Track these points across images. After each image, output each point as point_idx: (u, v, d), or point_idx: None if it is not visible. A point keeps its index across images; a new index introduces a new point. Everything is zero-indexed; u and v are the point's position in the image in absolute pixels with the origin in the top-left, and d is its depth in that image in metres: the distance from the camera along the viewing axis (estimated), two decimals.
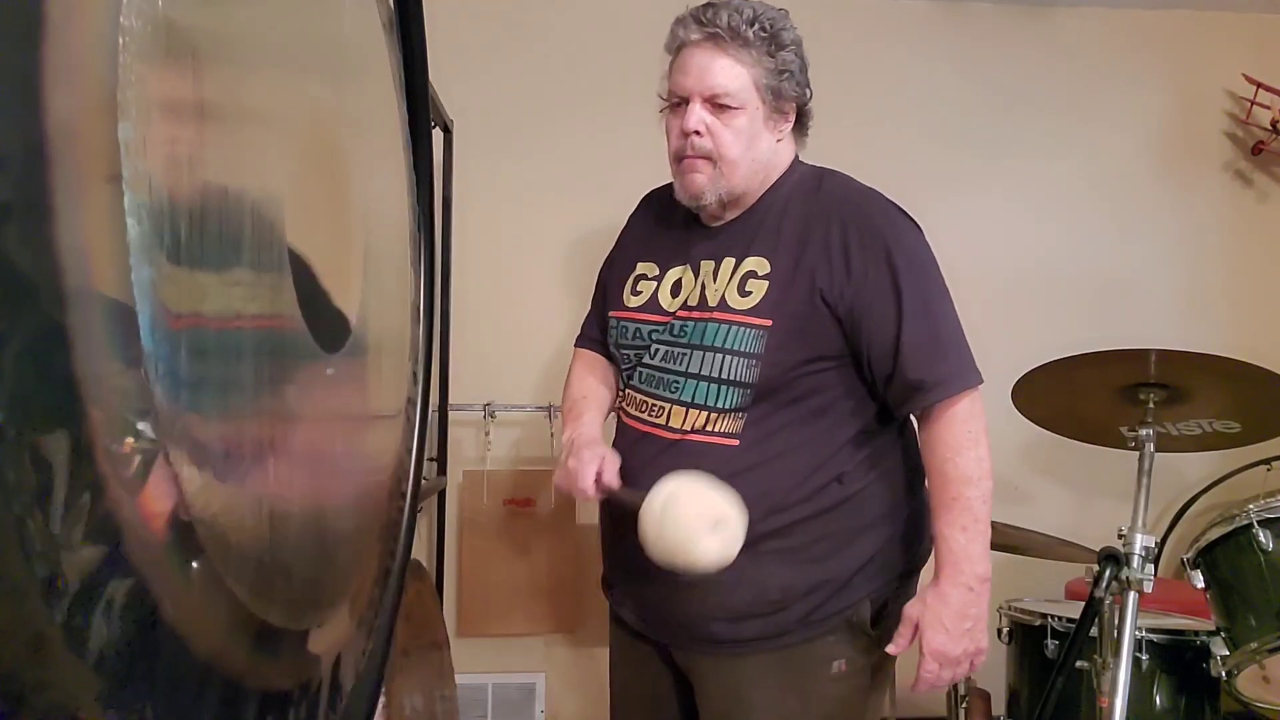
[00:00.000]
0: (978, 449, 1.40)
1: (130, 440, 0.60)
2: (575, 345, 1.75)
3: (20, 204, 0.50)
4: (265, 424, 0.83)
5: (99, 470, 0.56)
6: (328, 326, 0.98)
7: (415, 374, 0.98)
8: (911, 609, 1.41)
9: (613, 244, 1.72)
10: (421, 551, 2.61)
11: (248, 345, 0.79)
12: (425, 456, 1.51)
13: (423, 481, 1.47)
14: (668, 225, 1.60)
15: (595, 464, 1.44)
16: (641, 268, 1.58)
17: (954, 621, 1.37)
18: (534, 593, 2.69)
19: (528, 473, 2.71)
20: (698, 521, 1.28)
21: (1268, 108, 2.86)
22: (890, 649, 1.41)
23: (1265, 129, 2.87)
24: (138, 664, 0.61)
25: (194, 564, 0.68)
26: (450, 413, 2.64)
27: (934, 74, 2.92)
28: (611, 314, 1.59)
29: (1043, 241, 2.94)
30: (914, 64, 2.92)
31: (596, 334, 1.68)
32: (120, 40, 0.59)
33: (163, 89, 0.65)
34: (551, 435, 2.63)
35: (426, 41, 1.37)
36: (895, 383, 1.41)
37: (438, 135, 2.50)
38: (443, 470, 2.61)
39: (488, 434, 2.64)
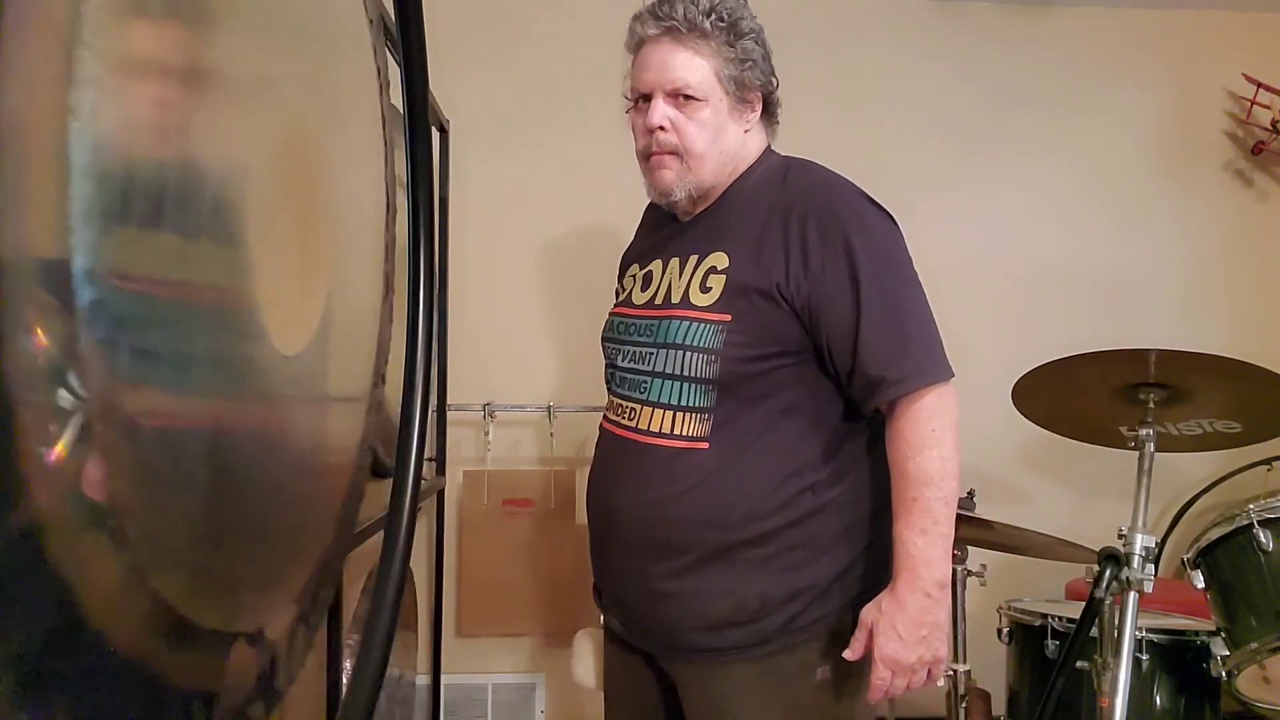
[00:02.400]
0: (941, 448, 1.34)
1: (57, 401, 0.56)
2: None
3: None
4: (207, 401, 0.79)
5: (23, 466, 0.53)
6: (287, 309, 0.96)
7: (407, 374, 0.95)
8: (866, 614, 1.36)
9: (610, 243, 1.73)
10: (421, 551, 2.61)
11: (194, 315, 0.75)
12: (425, 456, 1.50)
13: (422, 481, 1.46)
14: (652, 229, 1.61)
15: None
16: (630, 270, 1.59)
17: (909, 629, 1.32)
18: (534, 593, 2.68)
19: (528, 473, 2.71)
20: None
21: (1268, 108, 2.86)
22: (847, 654, 1.37)
23: (1265, 129, 2.87)
24: (55, 664, 0.59)
25: (120, 565, 0.65)
26: (450, 413, 2.64)
27: (933, 73, 2.92)
28: (610, 314, 1.61)
29: (1043, 241, 2.94)
30: (914, 63, 2.92)
31: None
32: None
33: (130, 46, 0.64)
34: (552, 435, 2.63)
35: (425, 42, 1.36)
36: (856, 378, 1.37)
37: (434, 136, 2.50)
38: (442, 470, 2.61)
39: (487, 434, 2.64)
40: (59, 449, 0.58)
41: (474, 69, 2.75)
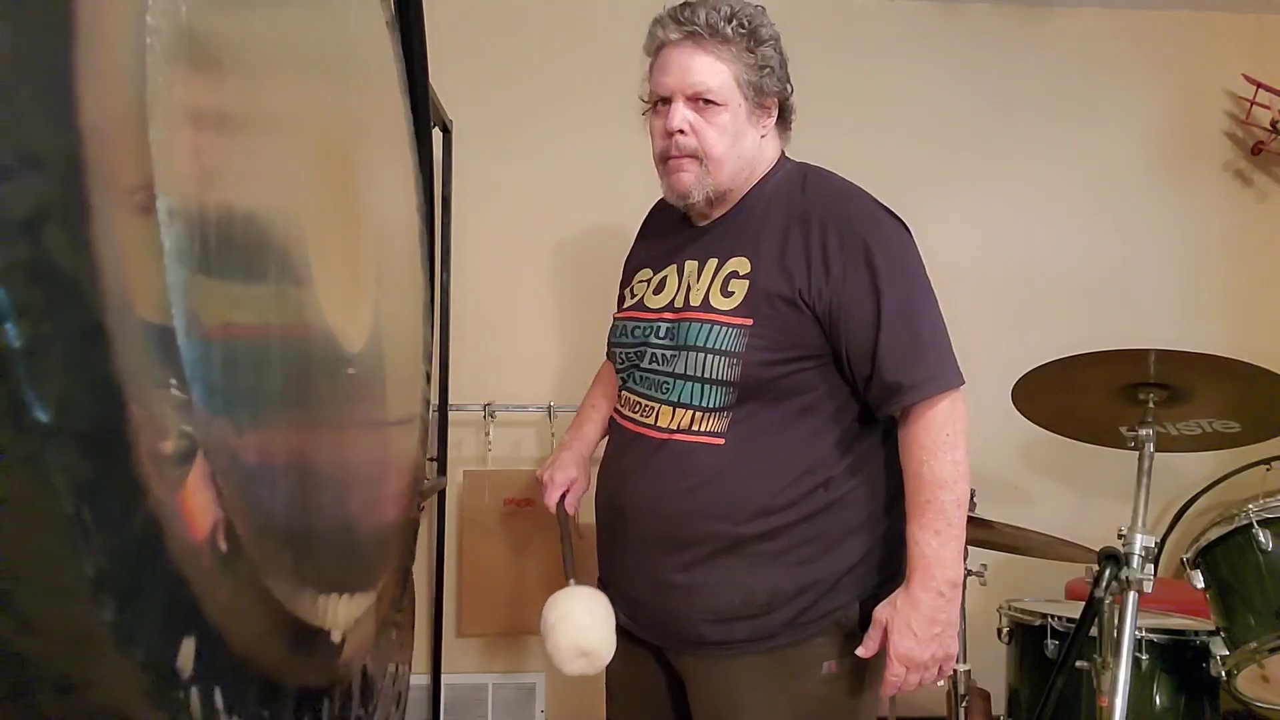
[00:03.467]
0: (954, 452, 1.38)
1: (170, 439, 0.60)
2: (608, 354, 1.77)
3: (59, 206, 0.50)
4: (295, 429, 0.84)
5: (142, 469, 0.57)
6: (349, 333, 0.99)
7: (428, 374, 0.99)
8: (880, 612, 1.39)
9: (612, 244, 1.73)
10: (422, 551, 2.61)
11: (275, 353, 0.80)
12: (425, 456, 1.52)
13: (423, 481, 1.48)
14: (665, 229, 1.62)
15: (560, 490, 1.74)
16: (640, 274, 1.60)
17: (923, 626, 1.35)
18: (534, 593, 2.68)
19: (528, 473, 2.71)
20: (570, 648, 1.46)
21: (1267, 108, 2.86)
22: (860, 651, 1.40)
23: (1265, 129, 2.87)
24: (182, 661, 0.62)
25: (232, 562, 0.68)
26: (450, 413, 2.64)
27: (933, 74, 2.92)
28: (613, 317, 1.62)
29: (1043, 241, 2.94)
30: (913, 64, 2.92)
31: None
32: (147, 40, 0.59)
33: (188, 96, 0.66)
34: (552, 435, 2.64)
35: (426, 42, 1.37)
36: (874, 384, 1.40)
37: (436, 135, 2.50)
38: (443, 470, 2.61)
39: (488, 434, 2.64)
40: (175, 475, 0.62)
41: (478, 69, 2.75)
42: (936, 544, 1.36)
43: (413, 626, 2.42)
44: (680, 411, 1.44)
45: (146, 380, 0.58)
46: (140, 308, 0.58)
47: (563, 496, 1.76)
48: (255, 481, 0.73)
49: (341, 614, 0.95)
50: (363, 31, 1.18)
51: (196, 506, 0.63)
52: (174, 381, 0.61)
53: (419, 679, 2.64)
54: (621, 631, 1.57)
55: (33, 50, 0.49)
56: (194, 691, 0.63)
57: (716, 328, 1.41)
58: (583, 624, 1.48)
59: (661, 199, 1.67)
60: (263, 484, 0.75)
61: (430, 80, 1.87)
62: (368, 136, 1.17)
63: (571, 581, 1.59)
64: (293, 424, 0.84)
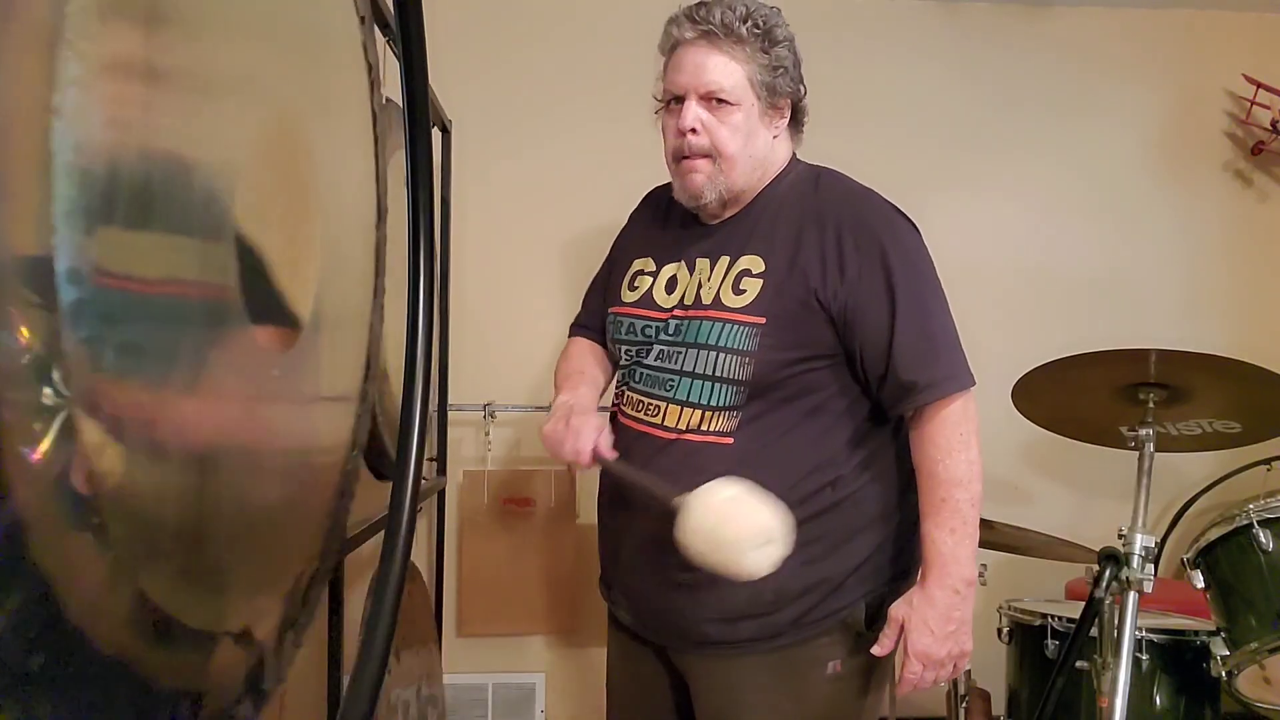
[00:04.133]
0: (968, 452, 1.40)
1: (37, 409, 0.56)
2: (570, 334, 1.75)
3: None
4: (191, 397, 0.79)
5: (7, 463, 0.53)
6: (274, 307, 0.96)
7: (406, 374, 0.95)
8: (897, 610, 1.41)
9: (612, 243, 1.73)
10: (421, 551, 2.61)
11: (178, 311, 0.76)
12: (425, 456, 1.50)
13: (423, 481, 1.46)
14: (666, 222, 1.60)
15: (595, 433, 1.47)
16: (639, 264, 1.59)
17: (939, 624, 1.37)
18: (534, 593, 2.68)
19: (528, 473, 2.71)
20: (753, 535, 1.28)
21: (1268, 108, 2.86)
22: (876, 650, 1.42)
23: (1265, 129, 2.87)
24: (35, 665, 0.59)
25: (104, 563, 0.64)
26: (450, 413, 2.64)
27: (933, 73, 2.92)
28: (611, 310, 1.60)
29: (1042, 241, 2.94)
30: (913, 63, 2.92)
31: (593, 323, 1.69)
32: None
33: (112, 46, 0.64)
34: None
35: (426, 42, 1.36)
36: (888, 383, 1.41)
37: (436, 135, 2.50)
38: (443, 470, 2.61)
39: (488, 434, 2.64)
40: (42, 447, 0.57)
41: (477, 69, 2.75)
42: (952, 542, 1.38)
43: (437, 645, 2.40)
44: (688, 411, 1.43)
45: (12, 334, 0.54)
46: (9, 253, 0.54)
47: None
48: (133, 465, 0.68)
49: (237, 619, 0.91)
50: (329, 15, 1.18)
51: (64, 503, 0.59)
52: (45, 340, 0.57)
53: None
54: (624, 631, 1.57)
55: None
56: (48, 697, 0.60)
57: (728, 326, 1.41)
58: (756, 505, 1.28)
59: (653, 189, 1.67)
60: (141, 468, 0.70)
61: (430, 80, 1.87)
62: (326, 119, 1.15)
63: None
64: (183, 403, 0.77)
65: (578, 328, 1.75)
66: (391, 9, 1.25)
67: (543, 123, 2.78)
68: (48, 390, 0.57)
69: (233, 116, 0.87)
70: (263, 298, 0.92)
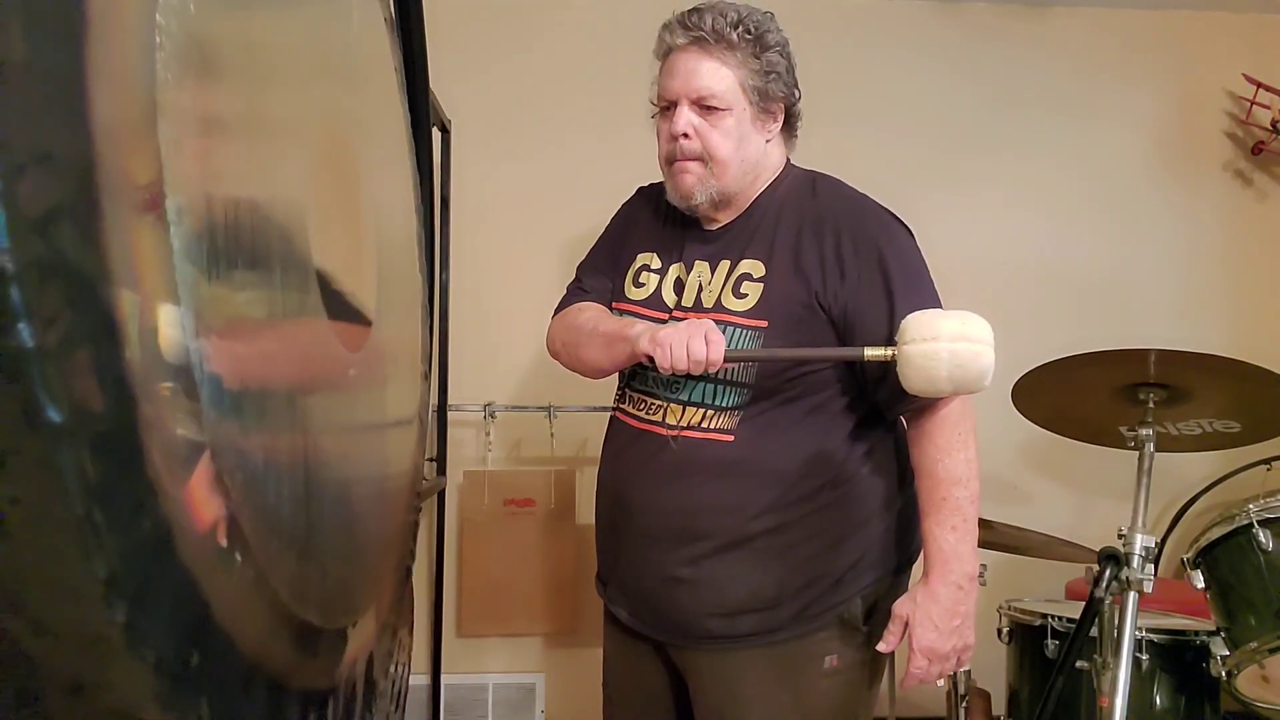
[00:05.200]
0: (967, 451, 1.43)
1: (180, 439, 0.60)
2: (567, 299, 1.66)
3: (71, 205, 0.50)
4: (299, 429, 0.84)
5: (153, 469, 0.56)
6: (351, 331, 0.99)
7: (426, 374, 0.99)
8: (901, 607, 1.42)
9: (610, 221, 1.70)
10: (422, 551, 2.61)
11: (280, 354, 0.80)
12: (425, 456, 1.51)
13: (423, 481, 1.48)
14: (667, 220, 1.60)
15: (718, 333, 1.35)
16: (643, 258, 1.58)
17: (943, 619, 1.39)
18: (534, 593, 2.68)
19: (528, 473, 2.71)
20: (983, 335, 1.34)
21: (1268, 108, 2.86)
22: (881, 647, 1.44)
23: (1265, 129, 2.87)
24: (192, 664, 0.61)
25: (239, 563, 0.68)
26: (450, 413, 2.64)
27: (932, 74, 2.92)
28: (615, 305, 1.60)
29: (1042, 241, 2.94)
30: (913, 64, 2.92)
31: (598, 292, 1.61)
32: (157, 39, 0.59)
33: (195, 97, 0.65)
34: (552, 435, 2.64)
35: (426, 42, 1.37)
36: (887, 385, 1.42)
37: (435, 135, 2.50)
38: (443, 470, 2.61)
39: (488, 434, 2.64)
40: (188, 480, 0.62)
41: (477, 70, 2.75)
42: (954, 539, 1.40)
43: (412, 627, 2.42)
44: (691, 409, 1.45)
45: (156, 380, 0.57)
46: (149, 308, 0.58)
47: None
48: (261, 482, 0.73)
49: (345, 615, 0.95)
50: (364, 29, 1.18)
51: (205, 508, 0.63)
52: (183, 382, 0.60)
53: (419, 679, 2.64)
54: (622, 628, 1.58)
55: (44, 48, 0.48)
56: (203, 693, 0.63)
57: (731, 329, 1.43)
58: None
59: (646, 185, 1.68)
60: (268, 485, 0.75)
61: (430, 80, 1.87)
62: (368, 136, 1.17)
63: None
64: (297, 425, 0.84)
65: (581, 295, 1.64)
66: (392, 9, 1.25)
67: (542, 123, 2.79)
68: (189, 438, 0.62)
69: (295, 152, 0.89)
70: (337, 331, 0.96)
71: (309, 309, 0.87)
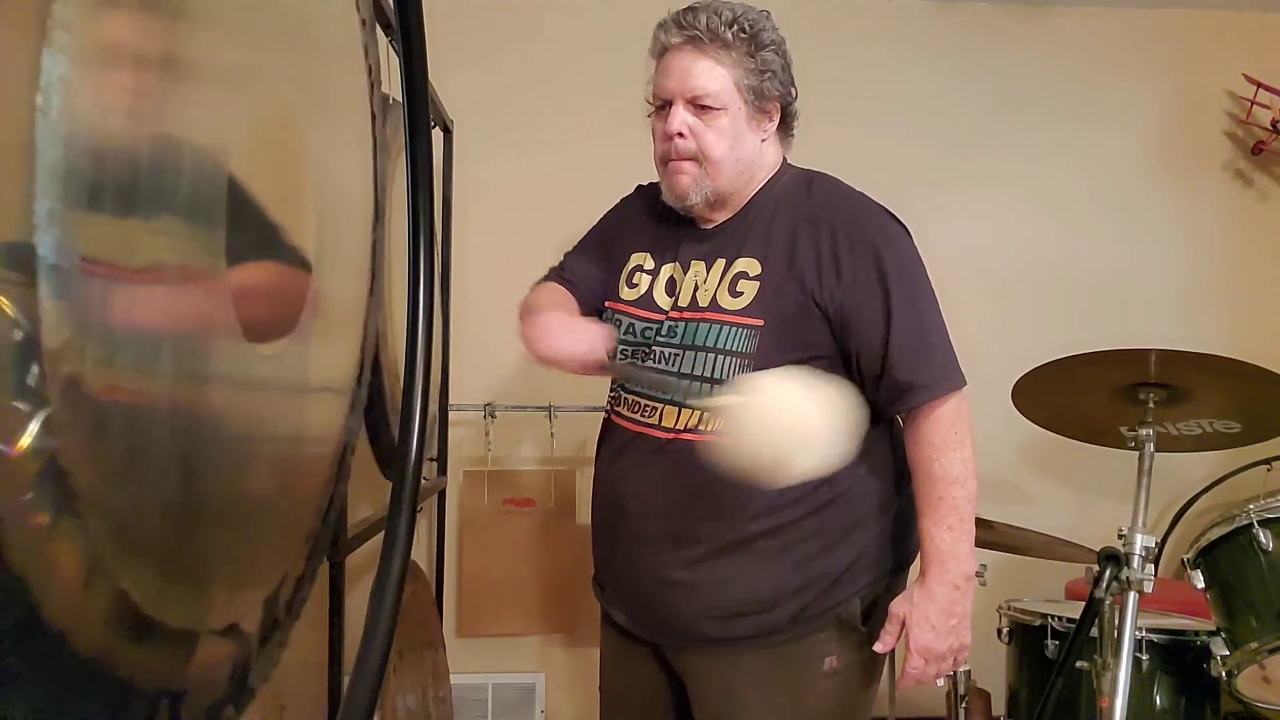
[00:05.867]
0: (963, 450, 1.42)
1: (14, 406, 0.55)
2: (545, 279, 1.67)
3: None
4: (176, 385, 0.78)
5: None
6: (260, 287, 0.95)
7: (407, 373, 0.95)
8: (898, 606, 1.42)
9: (603, 216, 1.72)
10: (421, 551, 2.61)
11: (161, 298, 0.75)
12: (426, 456, 1.50)
13: (423, 481, 1.47)
14: (661, 220, 1.60)
15: (605, 334, 1.43)
16: (636, 258, 1.58)
17: (940, 619, 1.39)
18: (534, 593, 2.69)
19: (528, 472, 2.72)
20: (818, 429, 1.14)
21: (1268, 108, 2.86)
22: (878, 646, 1.43)
23: (1265, 129, 2.87)
24: (12, 667, 0.58)
25: (82, 562, 0.64)
26: (450, 413, 2.64)
27: (933, 74, 2.92)
28: (608, 304, 1.59)
29: (1043, 241, 2.94)
30: (913, 64, 2.92)
31: (578, 282, 1.63)
32: None
33: (106, 31, 0.64)
34: (552, 435, 2.64)
35: (426, 42, 1.36)
36: (883, 383, 1.42)
37: (437, 135, 2.49)
38: (443, 470, 2.61)
39: (488, 434, 2.64)
40: (21, 444, 0.57)
41: (479, 69, 2.75)
42: (950, 539, 1.39)
43: (442, 645, 2.40)
44: (686, 411, 1.44)
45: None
46: (2, 229, 0.55)
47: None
48: (113, 471, 0.67)
49: (222, 616, 0.90)
50: (329, 13, 1.18)
51: (39, 497, 0.58)
52: (27, 326, 0.56)
53: None
54: (619, 631, 1.57)
55: None
56: (24, 699, 0.59)
57: (727, 328, 1.42)
58: (815, 395, 1.15)
59: (643, 184, 1.68)
60: (124, 474, 0.69)
61: (430, 80, 1.87)
62: (323, 114, 1.16)
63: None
64: (171, 383, 0.77)
65: (558, 277, 1.66)
66: (392, 9, 1.25)
67: (544, 123, 2.79)
68: (28, 382, 0.56)
69: (226, 105, 0.87)
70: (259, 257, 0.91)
71: (208, 257, 0.82)
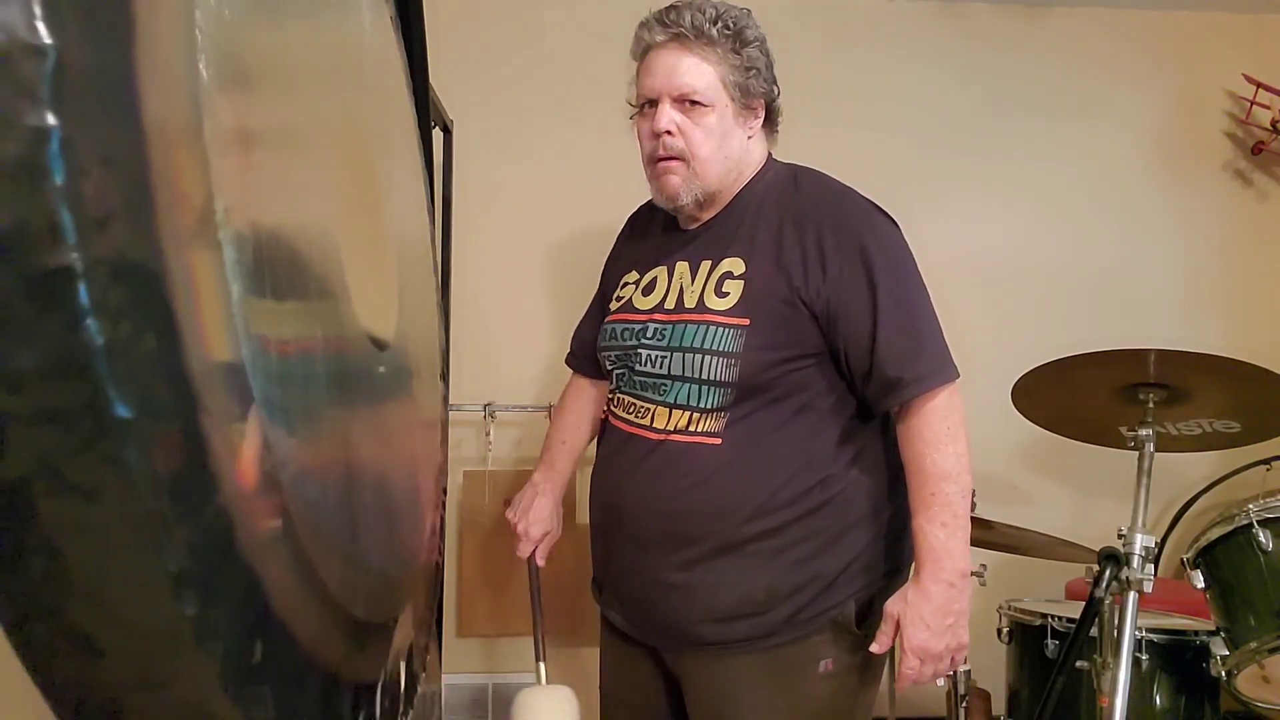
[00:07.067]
0: (956, 444, 1.39)
1: (239, 436, 0.61)
2: (566, 362, 1.82)
3: (131, 206, 0.51)
4: (341, 435, 0.86)
5: (216, 465, 0.57)
6: (380, 337, 1.01)
7: (444, 374, 1.02)
8: (893, 606, 1.40)
9: (612, 244, 1.74)
10: None
11: (321, 367, 0.81)
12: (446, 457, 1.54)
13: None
14: (646, 234, 1.63)
15: (536, 542, 1.79)
16: (626, 278, 1.61)
17: (935, 618, 1.36)
18: None
19: (528, 473, 2.70)
20: None
21: (1268, 108, 2.86)
22: (873, 647, 1.41)
23: (1265, 129, 2.87)
24: (256, 655, 0.62)
25: (294, 557, 0.69)
26: (450, 413, 2.64)
27: (932, 75, 2.92)
28: (603, 324, 1.62)
29: (1043, 242, 2.94)
30: (912, 64, 2.92)
31: (583, 352, 1.74)
32: (198, 37, 0.59)
33: (231, 109, 0.66)
34: None
35: (426, 42, 1.37)
36: (873, 379, 1.41)
37: (438, 136, 2.50)
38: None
39: (488, 434, 2.64)
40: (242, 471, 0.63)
41: (480, 70, 2.75)
42: (944, 536, 1.37)
43: (438, 644, 2.42)
44: (677, 412, 1.43)
45: (214, 377, 0.58)
46: (206, 308, 0.59)
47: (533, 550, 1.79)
48: (308, 479, 0.74)
49: (387, 610, 0.96)
50: (373, 29, 1.18)
51: (261, 502, 0.64)
52: (237, 382, 0.62)
53: None
54: (617, 633, 1.57)
55: (98, 52, 0.49)
56: (266, 684, 0.63)
57: (713, 329, 1.41)
58: None
59: (644, 204, 1.68)
60: (315, 481, 0.76)
61: (430, 80, 1.87)
62: (383, 137, 1.17)
63: (542, 667, 1.79)
64: (338, 425, 0.85)
65: (572, 359, 1.81)
66: (392, 9, 1.25)
67: (545, 123, 2.78)
68: (247, 436, 0.64)
69: (323, 165, 0.89)
70: (370, 337, 0.98)
71: (345, 325, 0.88)
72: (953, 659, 1.40)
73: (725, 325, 1.41)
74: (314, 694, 0.73)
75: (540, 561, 1.80)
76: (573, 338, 1.81)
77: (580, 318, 1.80)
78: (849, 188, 1.50)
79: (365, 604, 0.87)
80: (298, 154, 0.81)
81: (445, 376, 1.40)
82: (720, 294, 1.43)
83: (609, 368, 1.58)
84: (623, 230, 1.74)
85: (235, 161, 0.64)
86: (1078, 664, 1.76)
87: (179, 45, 0.57)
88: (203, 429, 0.56)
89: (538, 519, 1.77)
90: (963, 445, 1.40)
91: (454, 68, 2.62)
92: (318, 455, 0.78)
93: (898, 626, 1.38)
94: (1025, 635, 2.16)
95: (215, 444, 0.57)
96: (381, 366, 1.01)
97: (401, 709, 0.99)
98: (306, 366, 0.78)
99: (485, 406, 2.64)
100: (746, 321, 1.40)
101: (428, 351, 1.31)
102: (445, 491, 0.96)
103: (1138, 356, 1.76)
